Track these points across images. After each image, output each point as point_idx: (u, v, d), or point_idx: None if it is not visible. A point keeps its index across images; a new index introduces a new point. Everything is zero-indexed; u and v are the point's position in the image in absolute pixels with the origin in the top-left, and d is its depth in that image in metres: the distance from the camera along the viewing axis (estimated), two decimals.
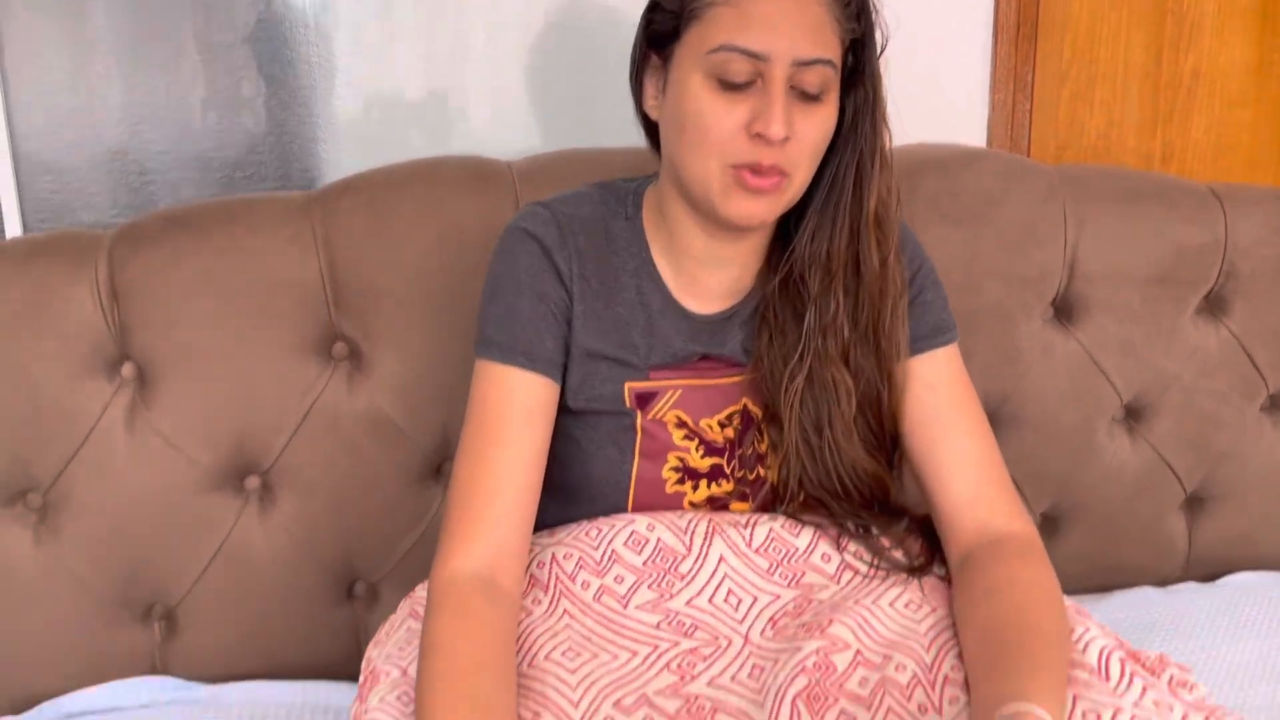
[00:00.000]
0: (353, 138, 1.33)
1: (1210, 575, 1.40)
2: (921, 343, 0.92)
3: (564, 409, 0.91)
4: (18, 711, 1.16)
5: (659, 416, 0.91)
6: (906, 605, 0.85)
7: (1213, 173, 1.54)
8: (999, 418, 1.28)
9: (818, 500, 0.92)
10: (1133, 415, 1.34)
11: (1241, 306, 1.33)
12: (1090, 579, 1.35)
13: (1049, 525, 1.36)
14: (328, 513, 1.18)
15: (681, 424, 0.92)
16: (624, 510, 0.92)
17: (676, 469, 0.92)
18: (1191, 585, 1.38)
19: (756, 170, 0.82)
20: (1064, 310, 1.30)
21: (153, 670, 1.20)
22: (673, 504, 0.92)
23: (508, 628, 0.82)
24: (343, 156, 1.33)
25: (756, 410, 0.92)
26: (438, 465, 1.20)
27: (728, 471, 0.93)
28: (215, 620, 1.19)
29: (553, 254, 0.89)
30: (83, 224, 1.29)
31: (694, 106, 0.83)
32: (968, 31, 1.43)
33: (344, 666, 1.20)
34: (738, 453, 0.92)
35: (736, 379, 0.92)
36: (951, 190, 1.26)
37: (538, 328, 0.88)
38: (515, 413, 0.87)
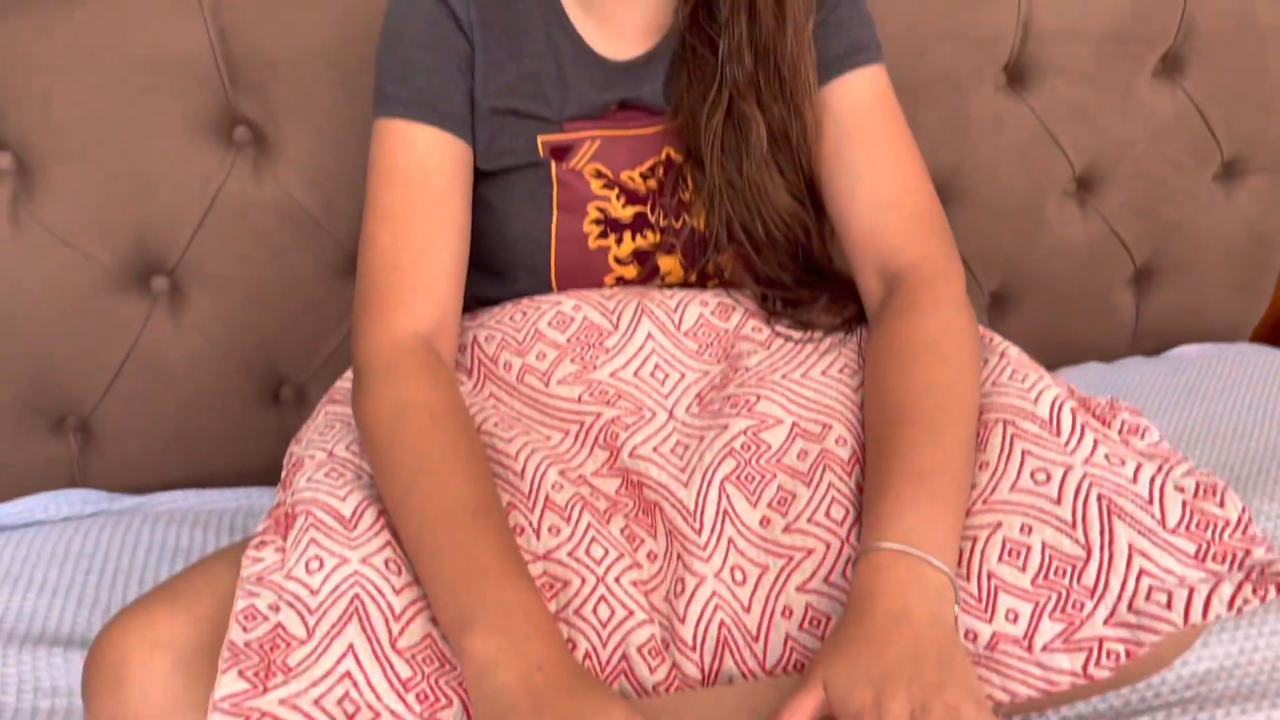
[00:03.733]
0: None
1: (1157, 349, 1.39)
2: (834, 66, 0.83)
3: (475, 175, 0.83)
4: None
5: (576, 167, 0.84)
6: (840, 371, 0.80)
7: None
8: (947, 193, 1.23)
9: (743, 256, 0.86)
10: (1084, 186, 1.30)
11: (1199, 66, 1.27)
12: (1038, 356, 1.28)
13: (997, 304, 1.33)
14: (244, 312, 1.11)
15: (600, 175, 0.85)
16: (546, 276, 0.86)
17: (598, 221, 0.86)
18: (1138, 359, 1.37)
19: None
20: (1016, 75, 1.24)
21: (72, 484, 1.16)
22: (596, 262, 0.87)
23: (461, 400, 0.76)
24: None
25: (678, 157, 0.86)
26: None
27: (652, 220, 0.86)
28: (134, 429, 1.14)
29: (449, 0, 0.81)
30: None
31: None
32: None
33: (273, 473, 1.12)
34: (660, 201, 0.86)
35: (657, 128, 0.85)
36: None
37: (443, 80, 0.80)
38: (433, 170, 0.79)
